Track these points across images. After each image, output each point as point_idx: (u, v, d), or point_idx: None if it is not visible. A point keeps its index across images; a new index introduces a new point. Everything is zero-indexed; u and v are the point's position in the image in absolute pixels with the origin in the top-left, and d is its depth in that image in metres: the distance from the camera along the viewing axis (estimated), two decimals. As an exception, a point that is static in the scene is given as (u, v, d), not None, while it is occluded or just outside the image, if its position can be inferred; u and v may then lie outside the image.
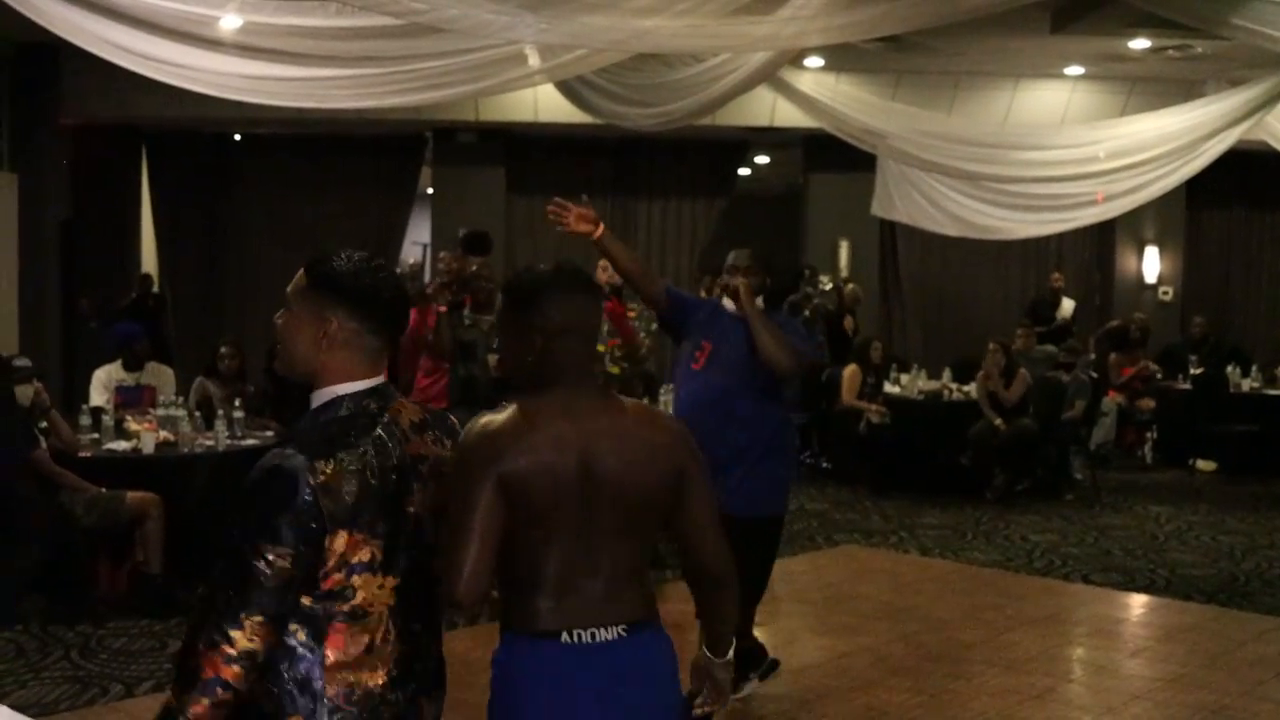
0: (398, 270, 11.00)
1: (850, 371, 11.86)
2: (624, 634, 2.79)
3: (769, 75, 10.08)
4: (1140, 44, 12.85)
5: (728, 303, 5.55)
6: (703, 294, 9.52)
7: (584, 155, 16.32)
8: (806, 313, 13.51)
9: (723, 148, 16.57)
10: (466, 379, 7.56)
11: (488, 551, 2.66)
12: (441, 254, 9.15)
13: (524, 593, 2.78)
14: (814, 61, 12.92)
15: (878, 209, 13.06)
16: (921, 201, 12.52)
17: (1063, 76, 14.95)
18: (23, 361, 7.52)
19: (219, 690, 2.42)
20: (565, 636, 2.75)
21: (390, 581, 2.57)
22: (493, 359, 7.41)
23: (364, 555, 2.51)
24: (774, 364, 5.32)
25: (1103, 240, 17.08)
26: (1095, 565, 8.95)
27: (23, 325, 13.58)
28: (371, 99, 8.82)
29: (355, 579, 2.51)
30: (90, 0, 7.33)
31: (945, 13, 7.37)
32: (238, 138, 16.88)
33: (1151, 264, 16.98)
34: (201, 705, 2.43)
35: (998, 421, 11.33)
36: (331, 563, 2.48)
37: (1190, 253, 17.45)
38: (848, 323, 13.91)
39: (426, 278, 17.13)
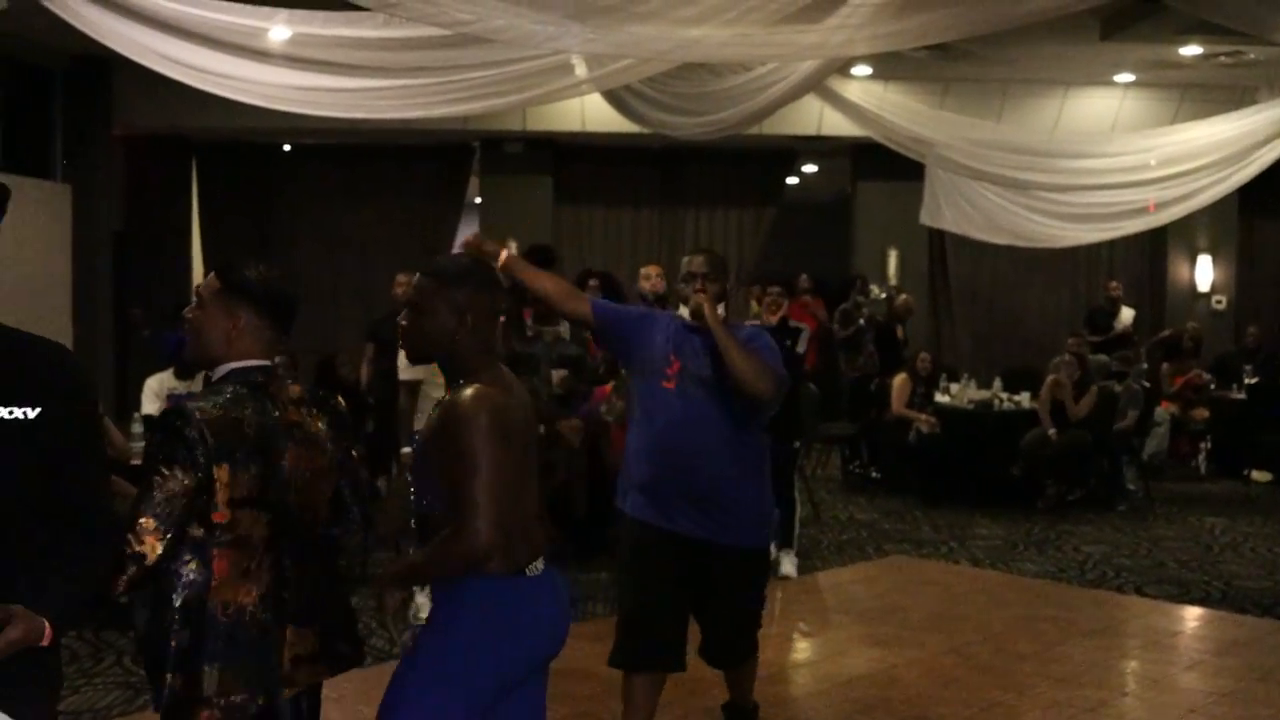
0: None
1: (900, 381, 11.80)
2: (545, 565, 3.38)
3: (816, 84, 10.05)
4: (1191, 50, 12.74)
5: (684, 311, 4.88)
6: (753, 304, 9.40)
7: (631, 164, 16.34)
8: (862, 321, 13.48)
9: (770, 156, 16.54)
10: (529, 393, 7.40)
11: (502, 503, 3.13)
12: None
13: (512, 532, 3.22)
14: (862, 70, 12.87)
15: (926, 218, 12.97)
16: (970, 210, 12.43)
17: (1113, 84, 14.85)
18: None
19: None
20: (530, 570, 3.32)
21: (264, 518, 3.07)
22: (557, 374, 7.34)
23: (243, 491, 3.02)
24: (749, 390, 4.66)
25: (1155, 249, 16.93)
26: (1149, 577, 8.85)
27: (76, 333, 13.71)
28: (419, 109, 8.84)
29: (238, 513, 3.01)
30: (142, 13, 7.39)
31: (995, 20, 7.31)
32: (286, 148, 17.01)
33: (1204, 273, 16.82)
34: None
35: (1051, 431, 11.23)
36: (220, 495, 2.98)
37: (1243, 261, 17.28)
38: (899, 332, 13.84)
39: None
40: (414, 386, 7.60)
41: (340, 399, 3.48)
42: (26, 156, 13.67)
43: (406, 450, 7.86)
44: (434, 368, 7.51)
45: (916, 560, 9.39)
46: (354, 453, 3.48)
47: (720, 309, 4.75)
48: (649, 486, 4.82)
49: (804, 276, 13.88)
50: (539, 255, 8.06)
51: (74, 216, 13.99)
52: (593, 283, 8.69)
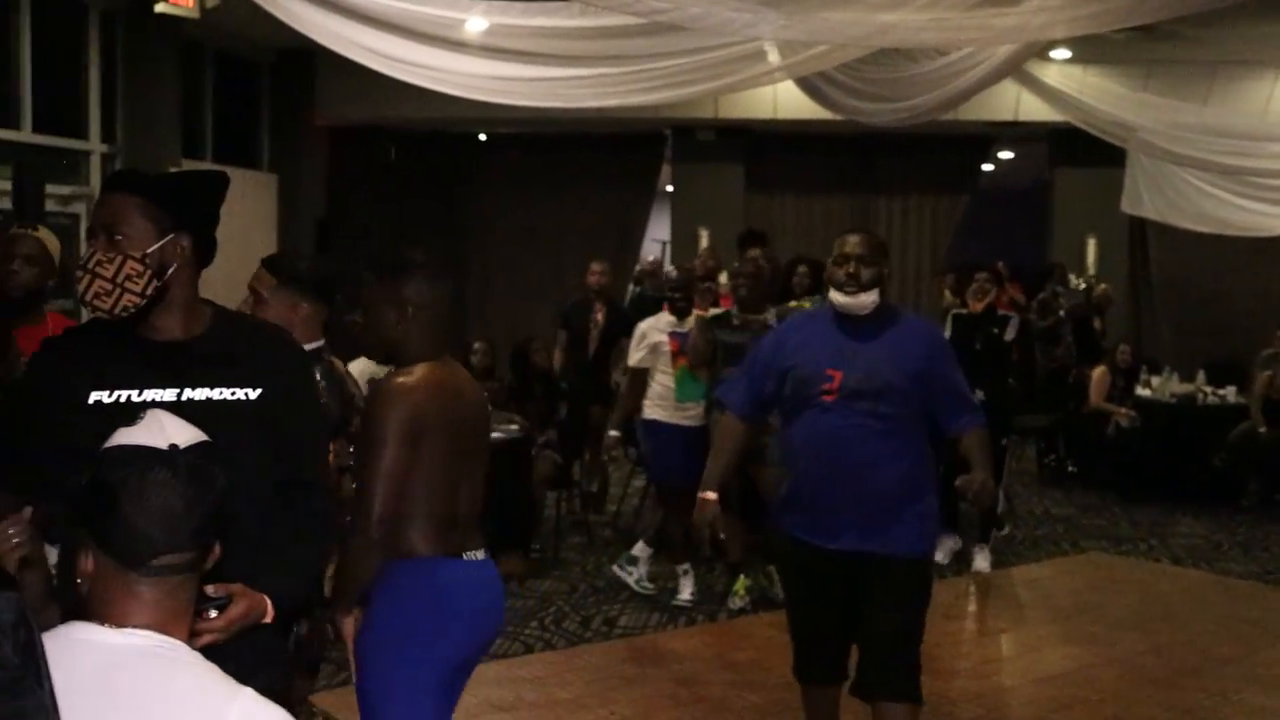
0: (637, 267, 11.16)
1: (1099, 373, 11.52)
2: (485, 554, 3.54)
3: (1014, 68, 9.86)
4: None
5: (835, 296, 4.43)
6: (947, 294, 9.20)
7: (823, 152, 16.23)
8: (1061, 313, 13.20)
9: (965, 143, 16.26)
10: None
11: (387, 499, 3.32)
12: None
13: (444, 521, 3.40)
14: (1061, 53, 12.56)
15: (1127, 205, 12.65)
16: (1174, 197, 12.10)
17: (1328, 65, 14.24)
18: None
19: None
20: (467, 555, 3.46)
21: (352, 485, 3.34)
22: None
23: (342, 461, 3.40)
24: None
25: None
26: (1363, 580, 8.50)
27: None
28: (614, 98, 8.91)
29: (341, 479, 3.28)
30: (344, 6, 7.59)
31: None
32: (482, 137, 17.31)
33: None
34: None
35: (1263, 429, 10.85)
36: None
37: None
38: (1097, 324, 13.51)
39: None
40: (641, 374, 7.69)
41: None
42: (235, 147, 14.16)
43: (613, 434, 7.96)
44: (662, 356, 7.64)
45: (1115, 557, 9.17)
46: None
47: (873, 295, 4.34)
48: (808, 504, 4.47)
49: (1000, 264, 13.65)
50: (751, 238, 8.02)
51: (279, 205, 14.49)
52: (802, 268, 8.65)
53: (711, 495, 4.62)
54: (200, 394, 2.65)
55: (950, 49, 9.35)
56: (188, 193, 2.78)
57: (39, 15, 10.66)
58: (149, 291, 2.62)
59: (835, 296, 4.40)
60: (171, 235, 2.66)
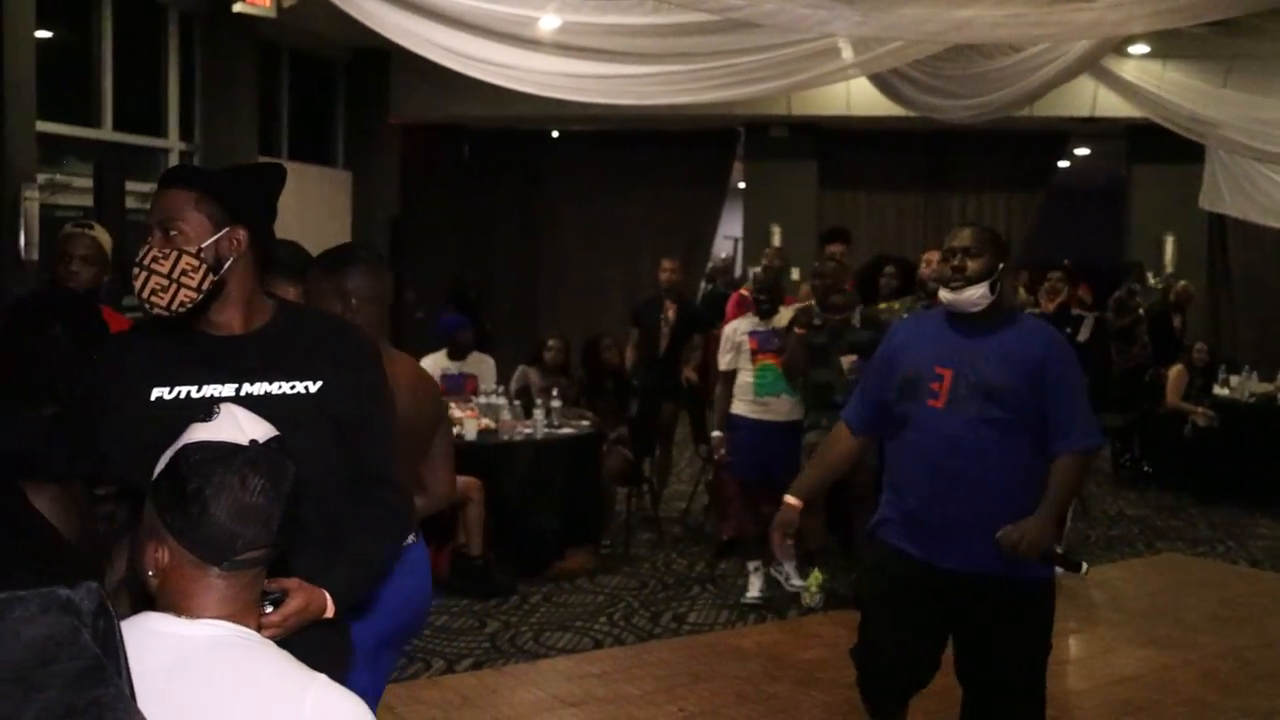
0: (709, 265, 11.18)
1: (1176, 372, 11.37)
2: (417, 538, 3.65)
3: (1091, 64, 9.77)
4: None
5: (944, 295, 4.15)
6: (1021, 292, 9.08)
7: (897, 148, 16.16)
8: (1141, 310, 13.05)
9: (1040, 139, 16.12)
10: (820, 385, 7.32)
11: None
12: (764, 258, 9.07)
13: None
14: (1139, 48, 12.40)
15: (1205, 202, 12.48)
16: (1254, 193, 11.92)
17: None
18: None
19: None
20: (412, 538, 3.57)
21: None
22: (847, 360, 7.26)
23: None
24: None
25: None
26: None
27: (354, 315, 14.32)
28: (687, 95, 8.92)
29: None
30: (419, 5, 7.65)
31: (1287, -7, 6.98)
32: (555, 135, 17.38)
33: None
34: None
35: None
36: None
37: None
38: (1176, 322, 13.34)
39: (737, 272, 17.32)
40: (732, 376, 7.79)
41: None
42: (311, 145, 14.32)
43: (717, 434, 8.01)
44: (743, 354, 7.69)
45: (1191, 558, 9.05)
46: None
47: (980, 290, 4.00)
48: (914, 516, 4.11)
49: (1066, 262, 13.51)
50: (834, 235, 7.98)
51: (353, 202, 14.63)
52: (889, 269, 8.60)
53: (795, 501, 4.35)
54: (259, 389, 2.64)
55: (1026, 45, 9.27)
56: (243, 186, 2.77)
57: (119, 16, 10.83)
58: (205, 286, 2.60)
59: (942, 293, 4.15)
60: (227, 229, 2.64)
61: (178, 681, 1.87)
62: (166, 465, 2.00)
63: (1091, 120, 14.62)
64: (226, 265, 2.64)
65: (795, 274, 10.34)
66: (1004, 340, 4.03)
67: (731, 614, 7.27)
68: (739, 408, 7.74)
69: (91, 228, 5.26)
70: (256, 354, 2.69)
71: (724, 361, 7.89)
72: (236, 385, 2.64)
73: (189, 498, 1.95)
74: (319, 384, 2.69)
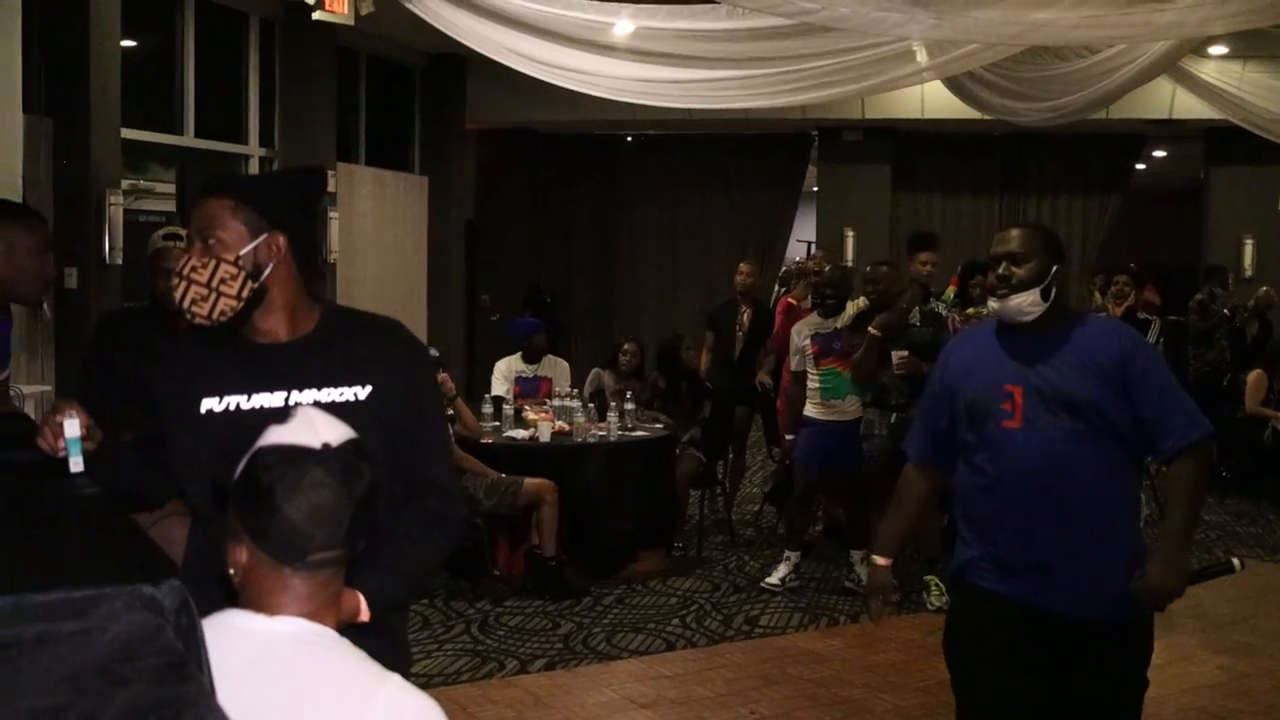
0: (782, 269, 11.16)
1: (1255, 377, 11.21)
2: None
3: (1170, 65, 9.68)
4: None
5: (991, 303, 3.84)
6: (1095, 295, 8.95)
7: (971, 151, 16.07)
8: (1226, 311, 12.86)
9: (1117, 142, 15.94)
10: (879, 386, 7.36)
11: None
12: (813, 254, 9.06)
13: None
14: (1218, 49, 12.25)
15: (1287, 204, 12.32)
16: (1337, 196, 11.75)
17: None
18: (431, 351, 7.97)
19: None
20: None
21: None
22: (897, 355, 7.28)
23: None
24: None
25: None
26: None
27: (431, 317, 14.47)
28: (760, 99, 8.94)
29: None
30: (495, 11, 7.72)
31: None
32: (629, 139, 17.42)
33: None
34: None
35: None
36: None
37: None
38: (1252, 328, 13.14)
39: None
40: (803, 377, 7.88)
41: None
42: (388, 150, 14.45)
43: (789, 437, 8.09)
44: (808, 358, 7.70)
45: (1270, 565, 8.93)
46: None
47: (1028, 297, 3.61)
48: (1003, 552, 3.68)
49: (1132, 265, 13.36)
50: (922, 241, 7.95)
51: (430, 207, 14.75)
52: (978, 278, 8.57)
53: (883, 561, 3.97)
54: (308, 396, 2.60)
55: (1103, 47, 9.20)
56: (281, 191, 2.74)
57: (201, 24, 10.99)
58: (245, 294, 2.58)
59: (991, 303, 3.82)
60: (265, 235, 2.61)
61: (256, 678, 1.91)
62: (244, 467, 2.04)
63: (1169, 122, 14.44)
64: (266, 272, 2.61)
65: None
66: (1074, 345, 3.61)
67: (804, 617, 7.26)
68: (808, 408, 7.87)
69: (179, 239, 5.31)
70: (304, 361, 2.65)
71: (794, 363, 8.01)
72: (285, 393, 2.61)
73: (263, 499, 1.98)
74: (369, 389, 2.64)
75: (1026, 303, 3.61)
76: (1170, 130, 15.36)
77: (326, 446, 2.01)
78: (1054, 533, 3.56)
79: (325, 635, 2.02)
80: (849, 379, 7.57)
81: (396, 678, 2.00)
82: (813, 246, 16.90)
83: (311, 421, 2.06)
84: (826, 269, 7.78)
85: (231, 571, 2.05)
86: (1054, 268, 3.64)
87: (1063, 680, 3.62)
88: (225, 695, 1.60)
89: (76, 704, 1.32)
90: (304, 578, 2.01)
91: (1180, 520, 3.60)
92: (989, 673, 3.70)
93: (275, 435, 2.03)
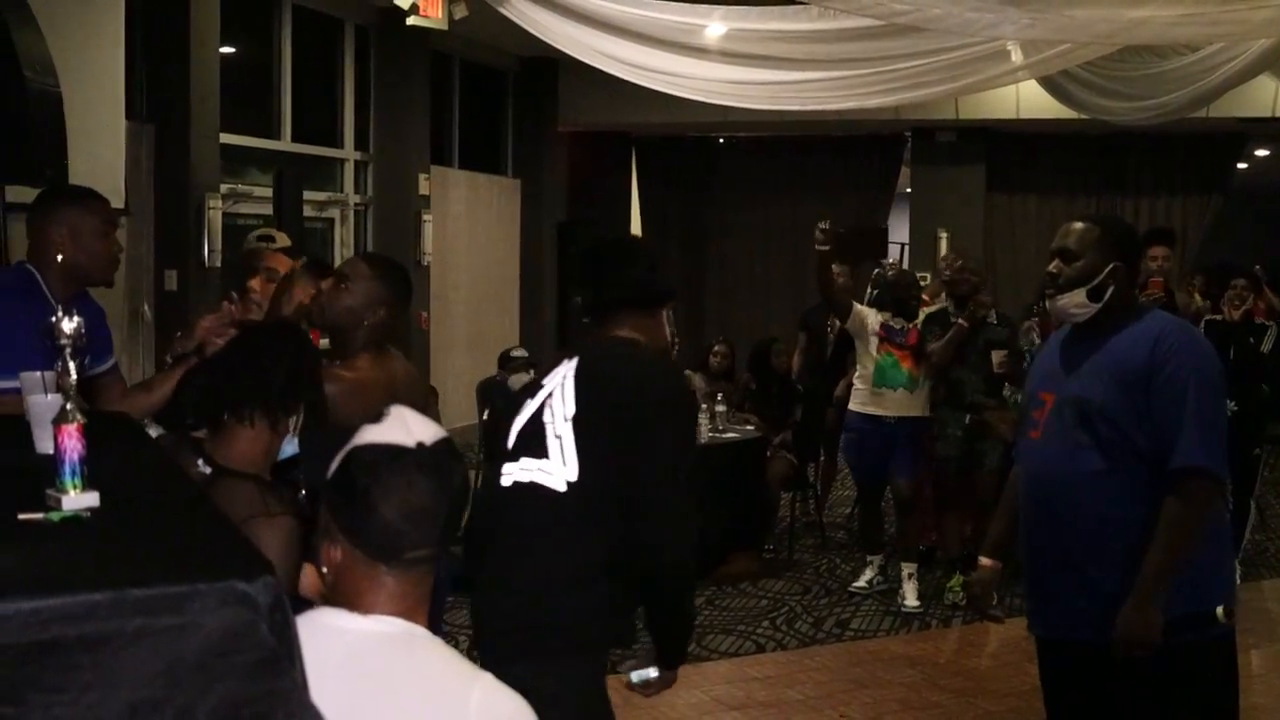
0: (875, 271, 11.06)
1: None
2: None
3: (1273, 62, 9.48)
4: None
5: (1047, 302, 3.68)
6: (1196, 297, 8.78)
7: (1067, 152, 15.87)
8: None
9: (1217, 141, 15.65)
10: (953, 381, 7.36)
11: None
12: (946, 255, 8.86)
13: None
14: (1323, 46, 12.03)
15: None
16: None
17: None
18: (520, 352, 8.05)
19: None
20: None
21: None
22: (997, 355, 7.22)
23: None
24: None
25: None
26: None
27: (523, 320, 14.56)
28: (852, 100, 8.89)
29: None
30: (587, 15, 7.75)
31: None
32: (721, 141, 17.41)
33: None
34: None
35: None
36: None
37: None
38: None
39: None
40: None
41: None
42: (482, 153, 14.56)
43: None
44: (871, 343, 7.63)
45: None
46: None
47: (1074, 297, 3.40)
48: (1032, 579, 3.55)
49: (1258, 268, 13.08)
50: (1158, 236, 7.83)
51: (522, 209, 14.85)
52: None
53: (989, 562, 3.76)
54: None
55: (1203, 44, 9.04)
56: None
57: (298, 31, 11.15)
58: None
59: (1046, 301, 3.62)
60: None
61: (349, 675, 1.93)
62: (338, 466, 2.06)
63: (1272, 120, 14.16)
64: None
65: (927, 277, 10.25)
66: (1113, 349, 3.35)
67: (895, 621, 7.22)
68: (852, 404, 7.63)
69: (273, 240, 5.35)
70: None
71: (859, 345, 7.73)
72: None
73: (358, 497, 2.00)
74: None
75: (1071, 304, 3.42)
76: (1273, 129, 15.06)
77: (421, 445, 2.03)
78: (1057, 555, 3.39)
79: (418, 634, 2.04)
80: (905, 372, 7.37)
81: (488, 676, 2.02)
82: (906, 249, 16.78)
83: (405, 421, 2.08)
84: (959, 266, 7.54)
85: (324, 570, 2.07)
86: (1111, 266, 3.36)
87: (1137, 713, 3.38)
88: (318, 692, 1.62)
89: (173, 697, 1.34)
90: (397, 576, 2.03)
91: (1154, 564, 3.20)
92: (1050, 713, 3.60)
93: (369, 434, 2.05)
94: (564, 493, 3.03)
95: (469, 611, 3.31)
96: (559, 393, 3.15)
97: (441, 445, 2.07)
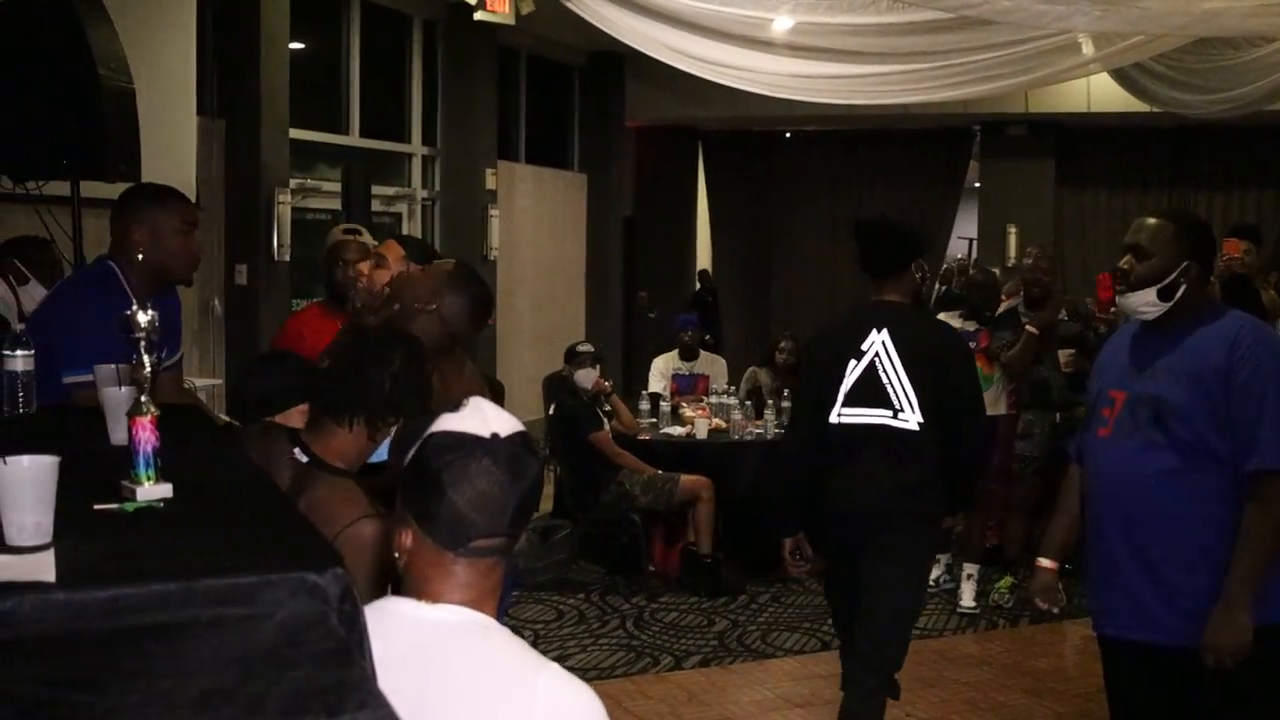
0: (943, 266, 11.02)
1: None
2: None
3: (1350, 55, 9.32)
4: None
5: (1118, 300, 3.52)
6: (1273, 294, 8.64)
7: (1140, 145, 15.71)
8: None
9: (1293, 134, 15.45)
10: (1036, 382, 7.28)
11: None
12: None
13: None
14: (1403, 38, 11.81)
15: None
16: None
17: None
18: (586, 347, 8.05)
19: None
20: None
21: None
22: (1064, 354, 7.14)
23: None
24: None
25: None
26: None
27: (589, 314, 14.59)
28: (921, 94, 8.84)
29: None
30: (654, 9, 7.75)
31: None
32: (787, 135, 17.36)
33: None
34: None
35: None
36: None
37: None
38: None
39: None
40: None
41: None
42: (548, 148, 14.61)
43: None
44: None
45: None
46: None
47: (1144, 296, 3.35)
48: (1100, 579, 3.48)
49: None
50: (1241, 231, 7.75)
51: (589, 204, 14.88)
52: None
53: (1049, 564, 3.66)
54: None
55: (1278, 36, 8.91)
56: None
57: (366, 27, 11.22)
58: None
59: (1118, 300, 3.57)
60: None
61: (417, 664, 1.94)
62: (414, 453, 2.07)
63: (1350, 113, 13.94)
64: None
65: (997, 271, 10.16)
66: (1188, 348, 3.30)
67: (961, 621, 7.16)
68: None
69: (360, 233, 5.38)
70: None
71: None
72: None
73: (429, 484, 2.01)
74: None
75: (1142, 302, 3.37)
76: (1351, 122, 14.83)
77: (495, 436, 2.04)
78: (1129, 555, 3.34)
79: (487, 624, 2.04)
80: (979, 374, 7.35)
81: (554, 665, 2.02)
82: (974, 244, 16.67)
83: (482, 411, 2.09)
84: (1040, 265, 7.43)
85: (397, 555, 2.09)
86: (1184, 264, 3.31)
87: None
88: (386, 681, 1.63)
89: (245, 687, 1.36)
90: (466, 564, 2.03)
91: (1242, 568, 3.15)
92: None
93: (446, 423, 2.06)
94: (917, 431, 4.22)
95: (818, 503, 4.53)
96: (884, 356, 4.26)
97: (517, 438, 2.08)
